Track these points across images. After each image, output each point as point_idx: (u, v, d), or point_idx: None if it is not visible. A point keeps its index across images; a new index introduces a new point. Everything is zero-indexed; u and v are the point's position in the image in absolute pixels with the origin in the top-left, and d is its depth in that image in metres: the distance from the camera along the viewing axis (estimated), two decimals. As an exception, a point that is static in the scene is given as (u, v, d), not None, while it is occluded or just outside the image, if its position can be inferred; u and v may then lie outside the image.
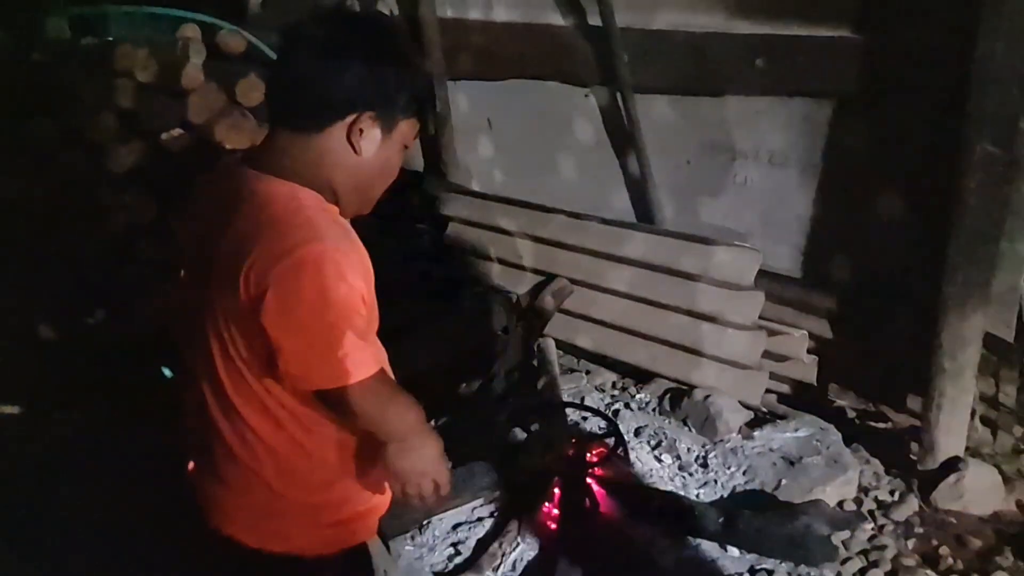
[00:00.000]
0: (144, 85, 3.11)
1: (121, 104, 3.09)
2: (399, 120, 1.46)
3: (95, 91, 3.09)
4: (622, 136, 3.85)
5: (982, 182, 2.72)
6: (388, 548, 1.70)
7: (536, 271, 3.98)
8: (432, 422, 3.40)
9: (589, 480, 2.89)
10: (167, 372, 3.06)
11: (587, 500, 2.78)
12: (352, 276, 1.35)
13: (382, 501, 1.62)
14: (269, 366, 1.38)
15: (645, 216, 3.86)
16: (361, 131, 1.41)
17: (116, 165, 3.12)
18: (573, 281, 3.85)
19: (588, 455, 3.04)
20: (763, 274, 3.37)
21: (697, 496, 2.96)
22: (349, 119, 1.40)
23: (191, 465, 1.63)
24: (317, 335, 1.34)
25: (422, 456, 1.52)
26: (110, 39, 3.15)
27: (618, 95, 3.76)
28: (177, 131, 3.17)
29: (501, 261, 4.11)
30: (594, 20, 3.71)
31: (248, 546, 1.53)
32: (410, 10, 4.11)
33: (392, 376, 1.53)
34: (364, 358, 1.38)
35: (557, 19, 3.85)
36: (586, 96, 3.95)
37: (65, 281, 3.13)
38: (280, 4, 4.10)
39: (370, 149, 1.43)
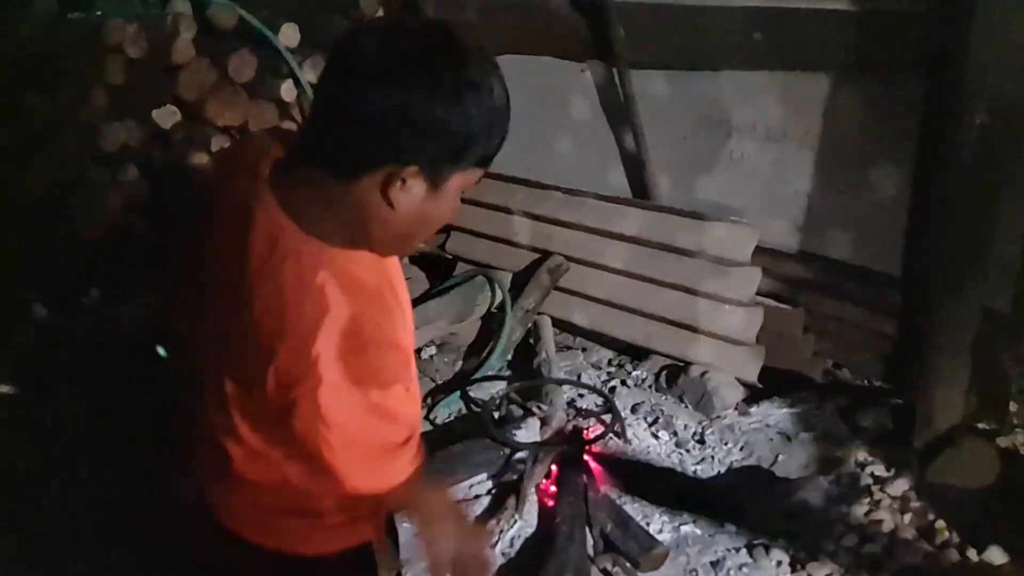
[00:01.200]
0: (134, 60, 3.06)
1: (111, 80, 3.05)
2: (452, 173, 1.18)
3: (84, 67, 3.05)
4: (618, 112, 3.82)
5: (978, 154, 2.70)
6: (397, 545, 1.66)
7: (532, 248, 3.98)
8: (429, 399, 3.42)
9: (586, 457, 2.89)
10: (162, 351, 3.04)
11: (584, 477, 2.78)
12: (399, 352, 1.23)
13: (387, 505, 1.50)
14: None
15: (641, 192, 3.84)
16: (403, 182, 1.15)
17: (107, 143, 3.08)
18: (569, 258, 3.84)
19: (585, 432, 3.05)
20: (760, 250, 3.36)
21: (694, 473, 2.97)
22: (387, 169, 1.14)
23: (195, 460, 1.59)
24: (351, 438, 1.21)
25: (450, 539, 1.40)
26: (98, 13, 3.10)
27: (614, 71, 3.72)
28: (169, 107, 3.14)
29: (497, 239, 4.09)
30: (590, -6, 3.67)
31: (249, 542, 1.50)
32: (403, -15, 4.06)
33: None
34: (395, 460, 1.29)
35: (552, -7, 3.81)
36: (582, 72, 3.92)
37: (58, 260, 3.10)
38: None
39: (410, 205, 1.17)
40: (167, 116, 3.14)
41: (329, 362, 1.15)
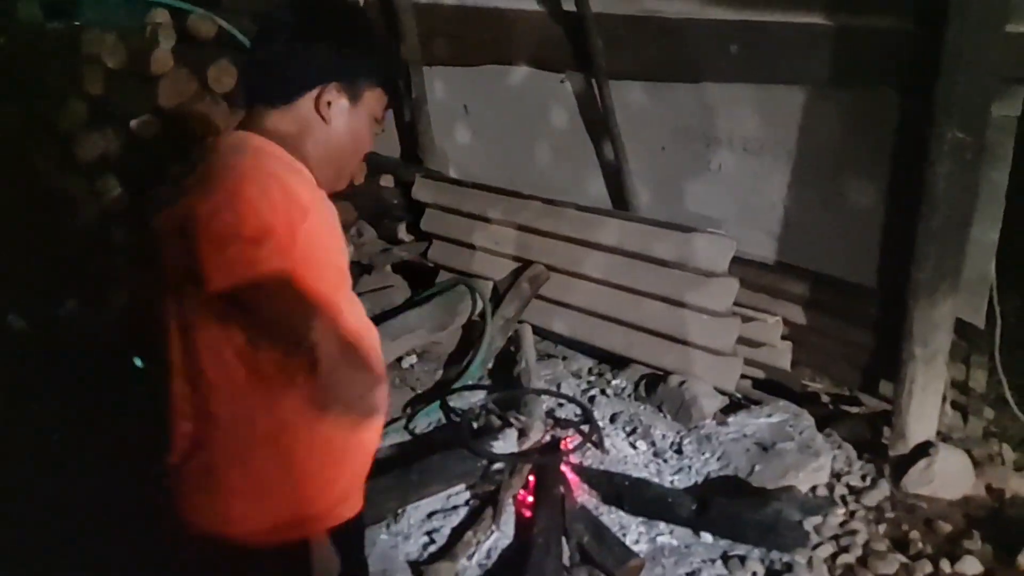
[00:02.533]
0: (113, 71, 3.06)
1: (90, 90, 3.05)
2: (364, 89, 1.53)
3: (63, 77, 3.04)
4: (597, 122, 3.84)
5: (952, 169, 2.73)
6: (351, 547, 1.64)
7: (513, 257, 3.99)
8: (408, 409, 3.43)
9: (563, 468, 2.90)
10: (138, 362, 3.03)
11: (561, 488, 2.79)
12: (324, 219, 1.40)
13: (340, 512, 1.53)
14: (236, 330, 1.36)
15: (620, 203, 3.86)
16: (329, 103, 1.49)
17: (85, 152, 3.07)
18: (549, 267, 3.85)
19: (563, 442, 3.05)
20: (737, 260, 3.38)
21: (671, 483, 2.98)
22: (316, 91, 1.48)
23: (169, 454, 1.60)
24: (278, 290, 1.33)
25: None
26: (77, 23, 3.09)
27: (593, 81, 3.75)
28: (147, 117, 3.13)
29: (478, 247, 4.10)
30: (569, 6, 3.69)
31: (194, 528, 1.50)
32: (385, -5, 4.08)
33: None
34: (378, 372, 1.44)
35: (532, 5, 3.83)
36: (561, 82, 3.94)
37: (36, 270, 3.09)
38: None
39: (338, 118, 1.51)
40: (146, 125, 3.13)
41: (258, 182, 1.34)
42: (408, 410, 3.43)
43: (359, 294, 3.85)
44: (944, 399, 3.09)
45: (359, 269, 4.18)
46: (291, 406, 1.41)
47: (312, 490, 1.48)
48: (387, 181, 4.48)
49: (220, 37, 3.32)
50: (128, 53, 3.08)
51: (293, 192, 1.36)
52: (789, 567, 2.57)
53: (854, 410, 3.36)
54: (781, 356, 3.54)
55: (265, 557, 1.48)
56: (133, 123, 3.11)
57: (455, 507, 2.80)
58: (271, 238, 1.31)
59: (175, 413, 1.48)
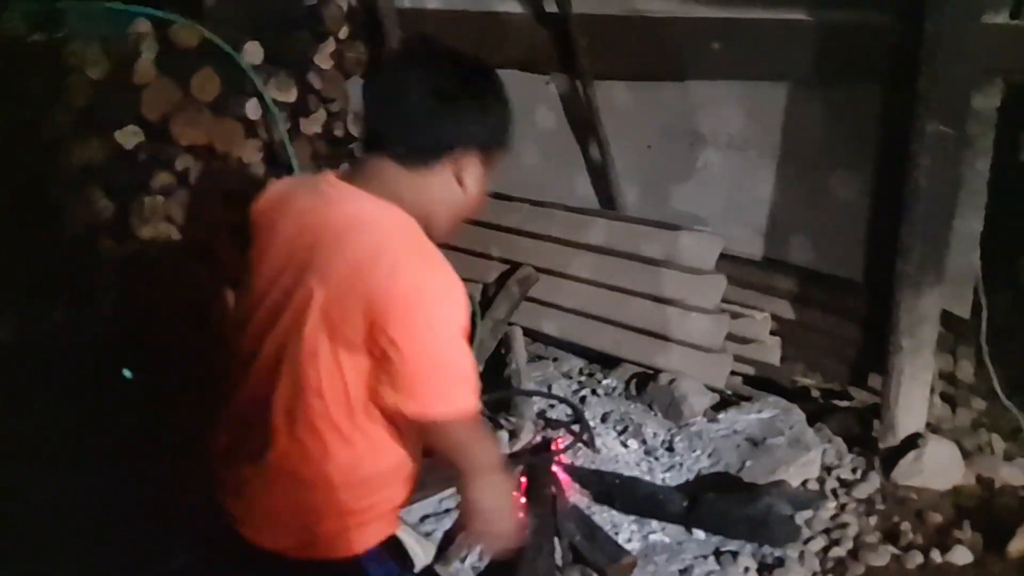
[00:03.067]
0: (96, 81, 3.06)
1: (74, 101, 3.05)
2: (497, 154, 1.55)
3: (47, 88, 3.04)
4: (583, 123, 3.85)
5: (934, 161, 2.75)
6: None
7: (502, 260, 3.99)
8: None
9: (554, 468, 2.91)
10: (127, 373, 3.03)
11: (553, 488, 2.79)
12: (465, 308, 1.43)
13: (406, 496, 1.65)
14: (364, 385, 1.43)
15: (607, 202, 3.87)
16: (467, 168, 1.49)
17: (70, 163, 3.07)
18: (538, 269, 3.86)
19: (554, 443, 3.06)
20: (725, 258, 3.40)
21: (663, 480, 2.99)
22: (457, 156, 1.48)
23: (219, 467, 1.64)
24: (439, 362, 1.40)
25: (504, 493, 1.60)
26: (60, 35, 3.09)
27: (578, 82, 3.76)
28: (132, 127, 3.13)
29: (467, 251, 4.10)
30: (551, 7, 3.70)
31: (268, 549, 1.55)
32: (368, 0, 4.07)
33: None
34: (470, 391, 1.45)
35: (514, 7, 3.83)
36: (547, 84, 3.95)
37: (21, 281, 3.09)
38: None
39: (473, 185, 1.52)
40: (130, 136, 3.13)
41: (436, 278, 1.40)
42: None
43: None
44: (932, 390, 3.10)
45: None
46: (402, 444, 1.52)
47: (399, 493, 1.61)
48: (375, 186, 4.49)
49: (203, 46, 3.31)
50: (111, 63, 3.08)
51: (462, 289, 1.44)
52: (781, 561, 2.58)
53: (844, 404, 3.37)
54: (770, 352, 3.54)
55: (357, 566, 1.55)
56: (117, 133, 3.10)
57: (447, 510, 2.80)
58: (460, 335, 1.41)
59: (271, 422, 1.49)
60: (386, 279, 1.36)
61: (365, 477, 1.52)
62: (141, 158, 3.19)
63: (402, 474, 1.60)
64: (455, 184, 1.50)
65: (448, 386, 1.42)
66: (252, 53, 3.44)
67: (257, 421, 1.51)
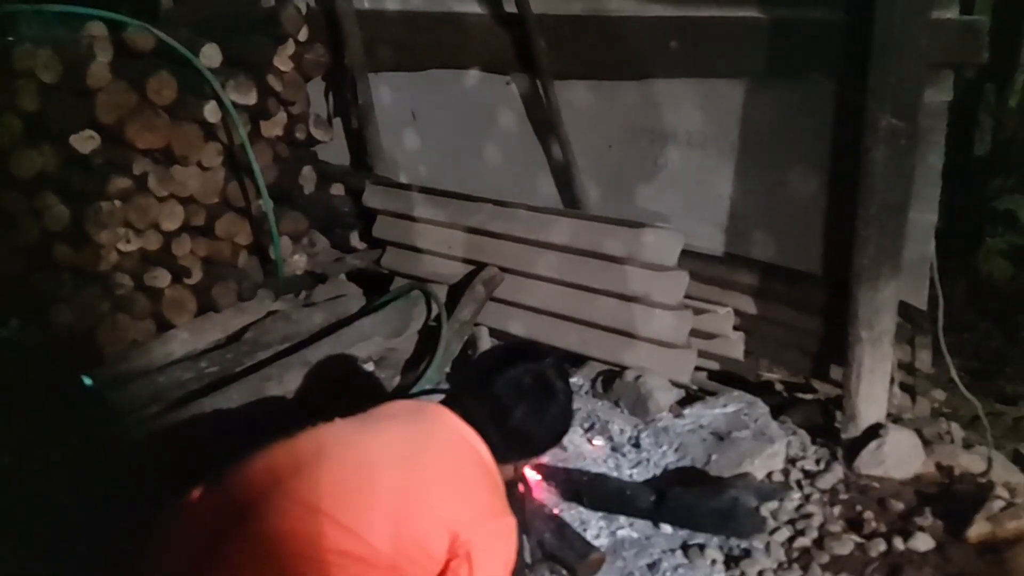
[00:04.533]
0: (48, 86, 3.02)
1: (25, 106, 3.00)
2: None
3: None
4: (544, 123, 3.87)
5: (887, 155, 2.79)
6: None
7: (467, 261, 3.98)
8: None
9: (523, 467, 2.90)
10: (87, 381, 2.99)
11: (521, 486, 2.79)
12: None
13: None
14: None
15: (570, 202, 3.89)
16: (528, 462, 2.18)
17: (23, 170, 3.02)
18: (503, 269, 3.85)
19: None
20: (687, 254, 3.42)
21: (630, 476, 2.99)
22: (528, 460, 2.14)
23: None
24: None
25: None
26: (10, 39, 3.04)
27: (538, 82, 3.77)
28: (87, 132, 3.09)
29: (431, 252, 4.09)
30: (511, 8, 3.71)
31: None
32: (327, 2, 4.06)
33: None
34: None
35: (474, 7, 3.84)
36: (507, 84, 3.96)
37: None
38: (193, 1, 4.02)
39: (523, 470, 2.19)
40: (85, 141, 3.09)
41: (506, 519, 1.85)
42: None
43: (314, 304, 3.87)
44: (892, 381, 3.14)
45: (313, 279, 4.15)
46: None
47: None
48: (337, 189, 4.46)
49: (160, 49, 3.28)
50: (63, 68, 3.04)
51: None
52: (747, 553, 2.60)
53: (807, 396, 3.41)
54: (734, 347, 3.58)
55: None
56: (72, 138, 3.06)
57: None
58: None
59: None
60: (467, 512, 1.82)
61: None
62: (97, 163, 3.15)
63: None
64: (512, 469, 2.09)
65: None
66: (210, 56, 3.41)
67: None
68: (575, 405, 3.26)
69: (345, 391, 3.26)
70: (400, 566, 1.68)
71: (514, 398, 1.94)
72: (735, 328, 3.56)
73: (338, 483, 1.71)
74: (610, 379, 3.47)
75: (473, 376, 2.08)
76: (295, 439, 1.82)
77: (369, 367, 3.80)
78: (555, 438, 2.09)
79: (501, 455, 1.93)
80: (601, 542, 2.68)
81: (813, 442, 3.14)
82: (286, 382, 3.18)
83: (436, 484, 1.77)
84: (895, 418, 3.15)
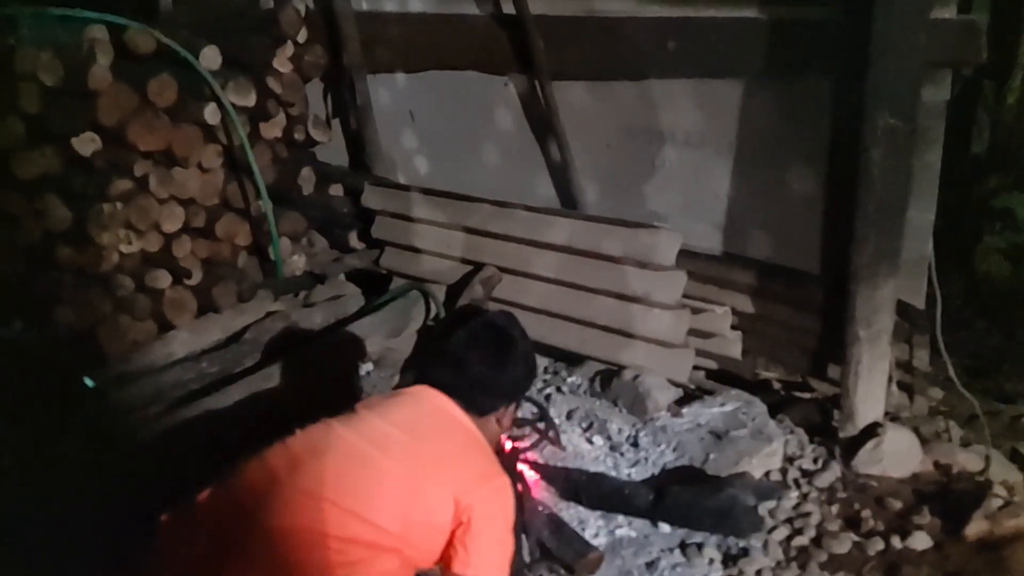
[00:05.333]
0: (50, 88, 3.03)
1: (27, 108, 3.01)
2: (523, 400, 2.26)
3: (-2, 96, 3.01)
4: (542, 123, 3.87)
5: (885, 154, 2.80)
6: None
7: (465, 261, 3.99)
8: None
9: (520, 465, 2.92)
10: (89, 382, 3.00)
11: (519, 485, 2.80)
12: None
13: None
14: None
15: (569, 202, 3.90)
16: (506, 415, 2.07)
17: (25, 172, 3.04)
18: (502, 269, 3.86)
19: (518, 441, 3.07)
20: (684, 253, 3.43)
21: (629, 475, 3.00)
22: (504, 409, 2.06)
23: None
24: (495, 553, 1.82)
25: None
26: (11, 42, 3.06)
27: (536, 83, 3.78)
28: (88, 134, 3.10)
29: (430, 252, 4.10)
30: (509, 9, 3.72)
31: None
32: (326, 3, 4.07)
33: None
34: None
35: (472, 9, 3.85)
36: (505, 85, 3.97)
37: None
38: (193, 3, 4.03)
39: (507, 423, 2.09)
40: (86, 143, 3.10)
41: (501, 479, 1.90)
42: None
43: (313, 304, 3.88)
44: (890, 380, 3.15)
45: (312, 279, 4.16)
46: None
47: None
48: (336, 190, 4.47)
49: (160, 51, 3.29)
50: (65, 70, 3.05)
51: None
52: (745, 552, 2.61)
53: (805, 395, 3.42)
54: (732, 346, 3.59)
55: None
56: (74, 140, 3.07)
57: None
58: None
59: None
60: (465, 476, 1.89)
61: None
62: (99, 165, 3.16)
63: None
64: (495, 424, 2.05)
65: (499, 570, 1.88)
66: (210, 57, 3.42)
67: None
68: (575, 404, 3.33)
69: (344, 391, 3.26)
70: (410, 542, 1.76)
71: (469, 348, 2.00)
72: (733, 327, 3.57)
73: (340, 473, 1.76)
74: (608, 378, 3.48)
75: (431, 344, 2.19)
76: (293, 438, 1.86)
77: (368, 367, 3.82)
78: (521, 379, 2.10)
79: (477, 409, 1.99)
80: (599, 541, 2.68)
81: (811, 441, 3.15)
82: (286, 382, 3.19)
83: (436, 458, 1.85)
84: (893, 417, 3.16)
